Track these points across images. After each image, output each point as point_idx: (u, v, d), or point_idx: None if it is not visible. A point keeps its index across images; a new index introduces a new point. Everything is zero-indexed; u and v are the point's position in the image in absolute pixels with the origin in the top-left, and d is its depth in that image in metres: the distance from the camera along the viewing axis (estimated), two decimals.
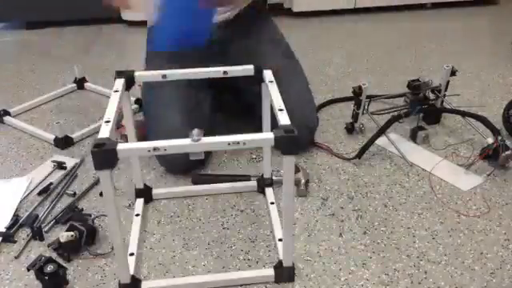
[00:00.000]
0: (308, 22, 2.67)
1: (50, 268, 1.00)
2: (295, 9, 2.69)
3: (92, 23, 2.64)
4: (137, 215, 1.22)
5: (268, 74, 1.10)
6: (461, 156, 1.46)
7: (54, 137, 1.55)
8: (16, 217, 1.23)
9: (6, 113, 1.72)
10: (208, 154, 1.43)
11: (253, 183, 1.32)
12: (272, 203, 1.25)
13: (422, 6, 2.81)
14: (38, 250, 1.14)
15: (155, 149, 0.84)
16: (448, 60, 2.14)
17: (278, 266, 1.04)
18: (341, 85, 1.94)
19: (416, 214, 1.24)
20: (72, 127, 1.66)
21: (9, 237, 1.17)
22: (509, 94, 1.83)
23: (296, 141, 0.85)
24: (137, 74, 1.10)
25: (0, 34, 2.63)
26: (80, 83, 1.94)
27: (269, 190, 1.29)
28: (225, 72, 1.11)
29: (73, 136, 1.56)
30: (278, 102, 0.99)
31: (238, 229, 1.20)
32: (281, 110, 0.95)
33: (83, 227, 1.12)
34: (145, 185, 1.28)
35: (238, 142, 0.85)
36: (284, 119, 0.91)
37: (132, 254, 1.10)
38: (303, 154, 1.44)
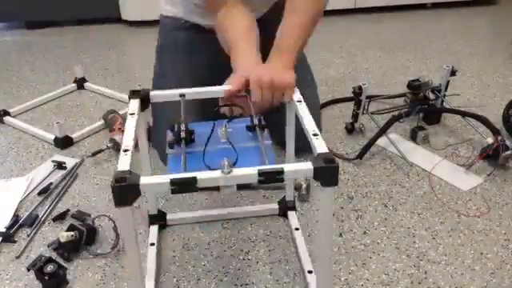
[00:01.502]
0: None
1: (50, 268, 1.00)
2: None
3: (92, 23, 2.64)
4: (152, 244, 1.13)
5: (295, 93, 1.01)
6: (461, 156, 1.46)
7: (53, 137, 1.55)
8: (16, 217, 1.23)
9: (6, 113, 1.72)
10: None
11: (274, 206, 1.24)
12: (297, 229, 1.16)
13: (422, 6, 2.81)
14: (37, 250, 1.14)
15: (181, 181, 0.75)
16: (448, 60, 2.14)
17: None
18: (341, 85, 1.94)
19: (416, 214, 1.24)
20: (72, 127, 1.66)
21: (9, 237, 1.17)
22: (509, 94, 1.83)
23: (337, 172, 0.78)
24: (152, 93, 1.01)
25: (0, 34, 2.63)
26: (80, 83, 1.94)
27: (291, 215, 1.21)
28: (247, 90, 1.01)
29: (73, 136, 1.56)
30: (310, 125, 0.89)
31: (238, 229, 1.20)
32: (315, 134, 0.86)
33: (83, 227, 1.12)
34: (159, 210, 1.20)
35: (269, 173, 0.77)
36: (321, 146, 0.82)
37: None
38: (303, 155, 1.43)
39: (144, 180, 0.74)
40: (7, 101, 1.86)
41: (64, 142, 1.54)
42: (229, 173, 0.76)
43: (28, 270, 1.03)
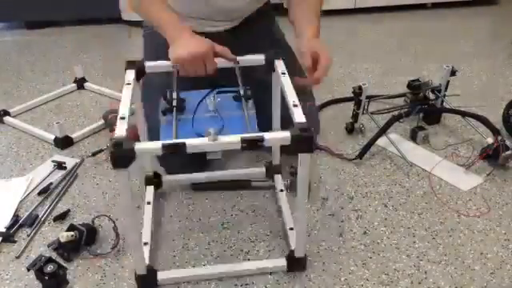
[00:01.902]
0: None
1: (50, 268, 1.00)
2: None
3: (92, 23, 2.64)
4: (148, 203, 1.21)
5: (280, 65, 1.08)
6: (461, 156, 1.46)
7: (53, 137, 1.55)
8: (16, 217, 1.23)
9: (6, 113, 1.72)
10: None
11: (261, 170, 1.32)
12: (281, 190, 1.25)
13: (422, 6, 2.81)
14: (37, 250, 1.14)
15: (171, 146, 0.83)
16: (448, 60, 2.13)
17: (291, 256, 1.04)
18: (341, 85, 1.93)
19: (416, 214, 1.24)
20: (72, 127, 1.66)
21: (9, 237, 1.17)
22: (509, 94, 1.83)
23: (312, 139, 0.85)
24: (147, 64, 1.08)
25: (0, 34, 2.63)
26: (80, 83, 1.94)
27: (277, 177, 1.28)
28: (237, 61, 1.08)
29: (73, 136, 1.56)
30: (291, 96, 0.96)
31: (238, 229, 1.20)
32: (295, 105, 0.92)
33: (83, 227, 1.12)
34: (155, 172, 1.27)
35: (251, 140, 0.84)
36: (299, 116, 0.89)
37: (146, 244, 1.09)
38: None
39: (139, 145, 0.82)
40: (7, 101, 1.86)
41: (64, 142, 1.54)
42: (214, 140, 0.83)
43: (28, 269, 1.02)
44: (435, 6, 2.82)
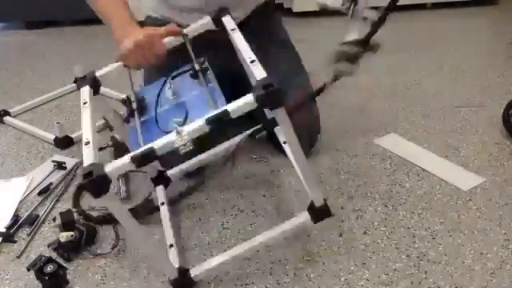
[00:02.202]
0: (308, 22, 2.67)
1: (50, 268, 1.00)
2: (295, 9, 2.69)
3: (92, 23, 2.64)
4: (162, 204, 1.19)
5: (228, 21, 1.00)
6: (461, 156, 1.46)
7: (54, 137, 1.55)
8: (16, 217, 1.24)
9: (6, 113, 1.73)
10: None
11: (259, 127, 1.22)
12: (285, 142, 1.22)
13: (422, 6, 2.81)
14: (38, 249, 1.14)
15: (140, 157, 0.76)
16: (448, 60, 2.14)
17: (311, 207, 1.03)
18: (340, 88, 1.93)
19: (416, 214, 1.24)
20: (72, 127, 1.66)
21: (9, 237, 1.17)
22: (509, 94, 1.83)
23: (279, 92, 0.77)
24: (98, 73, 1.00)
25: (0, 34, 2.63)
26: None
27: (277, 129, 1.25)
28: (186, 34, 1.02)
29: (73, 136, 1.56)
30: (247, 52, 0.86)
31: (238, 229, 1.20)
32: (252, 61, 0.83)
33: (83, 227, 1.12)
34: (158, 171, 1.24)
35: (216, 119, 0.77)
36: (259, 72, 0.80)
37: (172, 246, 1.07)
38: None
39: (108, 167, 0.76)
40: (7, 101, 1.86)
41: (64, 142, 1.54)
42: (181, 132, 0.76)
43: (28, 269, 1.03)
44: (435, 6, 2.82)
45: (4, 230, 1.19)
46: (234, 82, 1.09)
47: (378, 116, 1.69)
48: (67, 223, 1.12)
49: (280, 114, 0.82)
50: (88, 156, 0.79)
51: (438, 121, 1.66)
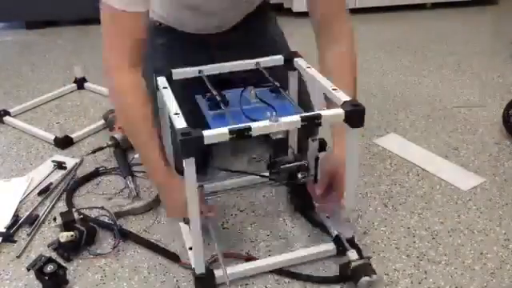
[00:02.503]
0: (308, 22, 2.66)
1: (50, 268, 1.00)
2: (295, 9, 2.69)
3: (92, 23, 2.64)
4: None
5: (301, 62, 1.10)
6: (461, 156, 1.46)
7: (54, 137, 1.55)
8: (16, 217, 1.23)
9: (6, 113, 1.72)
10: (208, 156, 1.41)
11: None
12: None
13: (422, 6, 2.81)
14: (38, 249, 1.14)
15: (238, 131, 0.85)
16: (448, 60, 2.14)
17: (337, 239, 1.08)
18: None
19: (416, 214, 1.24)
20: (72, 127, 1.66)
21: (9, 237, 1.17)
22: (509, 94, 1.83)
23: (364, 112, 0.90)
24: (174, 71, 1.08)
25: (0, 34, 2.63)
26: (80, 83, 1.94)
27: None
28: (257, 63, 1.11)
29: (73, 136, 1.56)
30: (327, 82, 0.99)
31: (238, 229, 1.20)
32: (334, 89, 0.97)
33: (83, 227, 1.12)
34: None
35: (310, 118, 0.88)
36: (344, 96, 0.94)
37: (191, 249, 1.06)
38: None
39: (206, 132, 0.84)
40: (7, 101, 1.87)
41: (64, 142, 1.54)
42: (276, 121, 0.86)
43: (28, 269, 1.02)
44: (435, 5, 2.82)
45: (4, 230, 1.18)
46: (225, 83, 1.11)
47: (378, 116, 1.69)
48: (67, 223, 1.12)
49: (356, 135, 0.93)
50: (179, 123, 0.87)
51: (437, 121, 1.66)
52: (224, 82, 1.15)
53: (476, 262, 1.09)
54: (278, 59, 1.14)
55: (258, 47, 1.16)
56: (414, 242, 1.15)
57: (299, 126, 0.88)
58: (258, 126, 0.86)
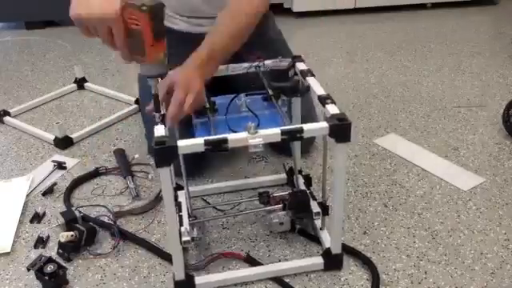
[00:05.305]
0: (308, 22, 2.67)
1: (50, 268, 1.00)
2: (295, 9, 2.69)
3: None
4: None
5: (302, 66, 1.10)
6: (461, 156, 1.46)
7: (53, 137, 1.55)
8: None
9: (6, 113, 1.73)
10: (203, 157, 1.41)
11: (282, 176, 1.31)
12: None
13: (422, 6, 2.81)
14: (38, 250, 1.14)
15: (213, 142, 0.84)
16: (448, 60, 2.14)
17: (327, 254, 1.06)
18: (340, 85, 1.94)
19: (416, 214, 1.24)
20: (72, 127, 1.66)
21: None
22: (509, 94, 1.83)
23: (350, 127, 0.88)
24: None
25: (0, 34, 2.63)
26: (80, 83, 1.94)
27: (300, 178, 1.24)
28: (257, 67, 1.11)
29: (73, 136, 1.56)
30: (321, 92, 1.00)
31: (238, 229, 1.20)
32: (326, 101, 0.96)
33: (83, 227, 1.12)
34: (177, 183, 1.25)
35: (291, 132, 0.87)
36: (333, 109, 0.93)
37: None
38: (302, 155, 1.43)
39: (181, 142, 0.83)
40: (7, 101, 1.87)
41: (64, 142, 1.54)
42: (255, 133, 0.85)
43: (28, 269, 1.03)
44: (435, 6, 2.82)
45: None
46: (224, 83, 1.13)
47: (378, 116, 1.69)
48: (69, 222, 1.13)
49: (343, 150, 0.92)
50: (160, 130, 0.88)
51: (437, 121, 1.66)
52: (224, 81, 1.15)
53: (476, 261, 1.09)
54: (284, 61, 1.13)
55: (258, 47, 1.15)
56: (414, 242, 1.15)
57: (279, 140, 0.87)
58: (235, 138, 0.86)
